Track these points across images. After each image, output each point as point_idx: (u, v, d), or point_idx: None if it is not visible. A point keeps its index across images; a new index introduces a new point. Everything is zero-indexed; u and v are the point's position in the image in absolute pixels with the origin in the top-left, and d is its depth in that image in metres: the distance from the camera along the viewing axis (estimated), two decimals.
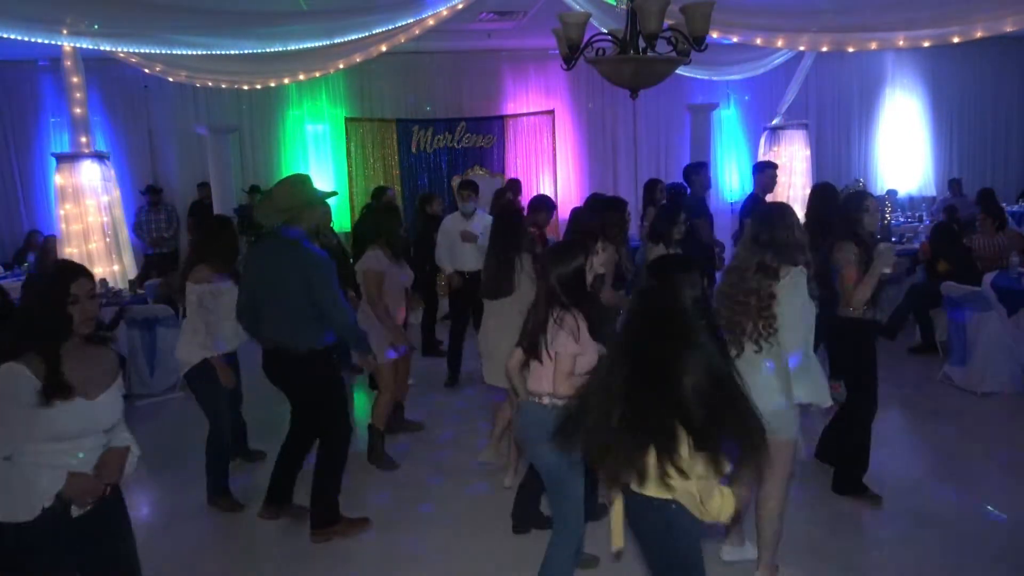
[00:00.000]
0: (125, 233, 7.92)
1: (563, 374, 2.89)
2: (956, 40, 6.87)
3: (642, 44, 4.19)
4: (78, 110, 7.41)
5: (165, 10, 6.37)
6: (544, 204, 6.06)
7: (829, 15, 6.75)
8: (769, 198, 6.09)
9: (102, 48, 6.93)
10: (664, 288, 2.49)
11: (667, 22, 4.18)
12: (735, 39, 7.38)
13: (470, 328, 6.21)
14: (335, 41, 6.96)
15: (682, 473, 2.15)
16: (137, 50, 7.05)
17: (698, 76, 9.62)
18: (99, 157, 7.59)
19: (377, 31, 6.88)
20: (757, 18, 6.95)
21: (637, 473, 2.21)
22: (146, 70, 7.82)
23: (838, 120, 11.59)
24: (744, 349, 3.09)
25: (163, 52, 7.07)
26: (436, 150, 10.22)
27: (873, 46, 7.58)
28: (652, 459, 2.17)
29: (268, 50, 7.00)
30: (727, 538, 3.61)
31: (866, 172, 11.55)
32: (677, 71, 5.19)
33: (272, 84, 8.44)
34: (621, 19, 4.74)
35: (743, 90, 10.97)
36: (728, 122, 11.15)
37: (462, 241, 6.29)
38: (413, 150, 10.16)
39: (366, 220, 5.81)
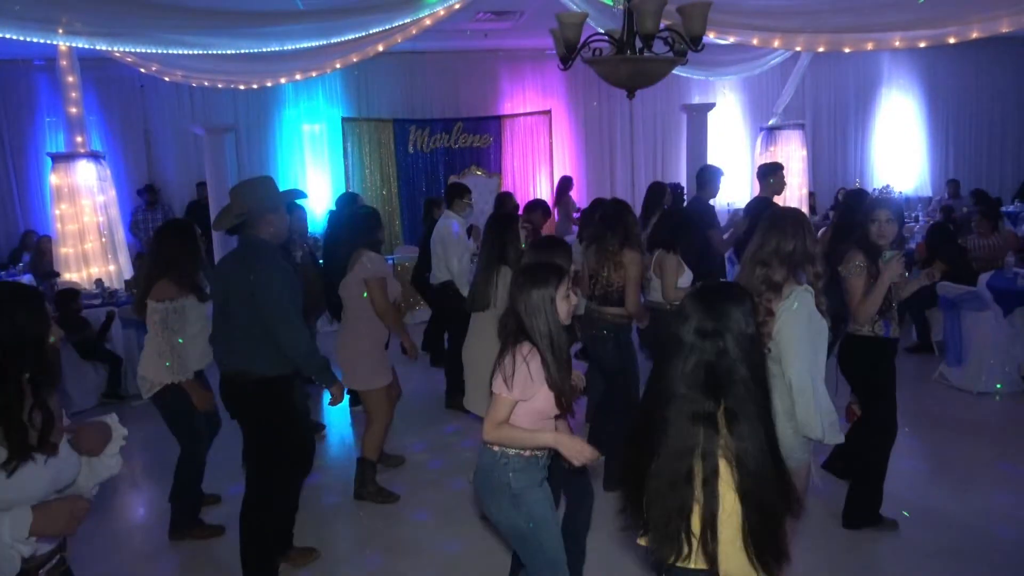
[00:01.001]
0: (121, 233, 7.90)
1: (492, 421, 2.45)
2: (952, 40, 6.87)
3: (639, 44, 4.19)
4: (73, 110, 7.39)
5: (161, 9, 6.34)
6: (538, 205, 6.06)
7: (826, 15, 6.75)
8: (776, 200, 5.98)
9: (98, 47, 6.91)
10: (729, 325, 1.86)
11: (664, 22, 4.19)
12: (732, 39, 7.38)
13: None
14: (332, 41, 6.94)
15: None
16: (133, 49, 7.02)
17: (695, 76, 9.64)
18: (95, 157, 7.57)
19: (374, 31, 6.86)
20: (753, 18, 6.95)
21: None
22: (142, 70, 7.78)
23: (834, 120, 11.61)
24: None
25: (159, 51, 7.04)
26: (433, 150, 10.22)
27: (869, 46, 7.58)
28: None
29: (265, 50, 6.98)
30: None
31: (862, 172, 11.58)
32: (674, 71, 5.19)
33: (269, 84, 8.42)
34: (618, 19, 4.75)
35: (735, 90, 10.98)
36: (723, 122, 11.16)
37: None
38: (410, 150, 10.15)
39: (344, 227, 5.03)
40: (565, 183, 9.33)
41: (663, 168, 10.76)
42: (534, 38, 9.06)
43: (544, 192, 10.33)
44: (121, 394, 6.52)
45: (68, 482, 1.95)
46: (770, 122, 10.21)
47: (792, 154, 10.15)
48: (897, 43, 7.32)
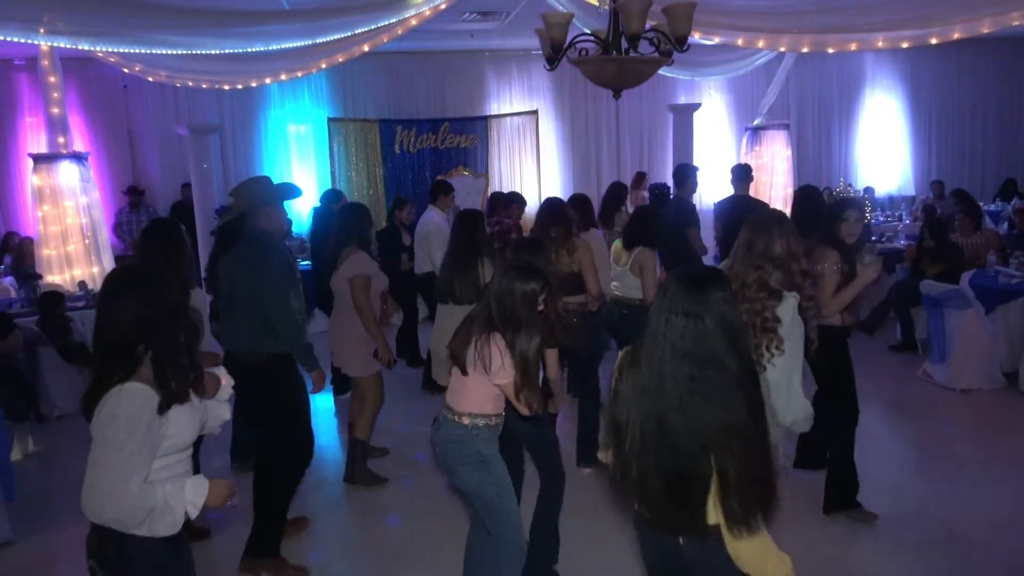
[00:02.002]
0: (104, 235, 7.82)
1: (514, 399, 2.75)
2: (934, 41, 6.94)
3: (625, 45, 4.20)
4: (55, 110, 7.31)
5: (145, 9, 6.29)
6: (514, 198, 6.28)
7: (810, 16, 6.80)
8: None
9: (80, 47, 6.85)
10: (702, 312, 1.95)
11: (649, 23, 4.20)
12: (717, 40, 7.42)
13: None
14: (317, 41, 6.91)
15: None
16: (116, 49, 6.96)
17: (680, 76, 9.67)
18: (77, 158, 7.49)
19: (360, 31, 6.84)
20: (738, 19, 6.99)
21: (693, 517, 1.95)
22: (125, 70, 7.72)
23: (819, 120, 11.69)
24: None
25: (142, 51, 6.98)
26: (420, 150, 10.19)
27: (853, 47, 7.63)
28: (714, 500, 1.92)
29: (249, 50, 6.94)
30: None
31: (847, 172, 11.66)
32: (659, 71, 5.22)
33: (254, 84, 8.37)
34: (604, 20, 4.76)
35: (721, 90, 11.03)
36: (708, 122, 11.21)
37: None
38: (396, 150, 10.12)
39: (330, 223, 5.14)
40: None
41: (649, 168, 10.78)
42: (520, 38, 9.06)
43: (530, 192, 10.32)
44: None
45: (203, 423, 2.28)
46: (755, 122, 10.27)
47: (777, 154, 10.22)
48: (880, 43, 7.37)
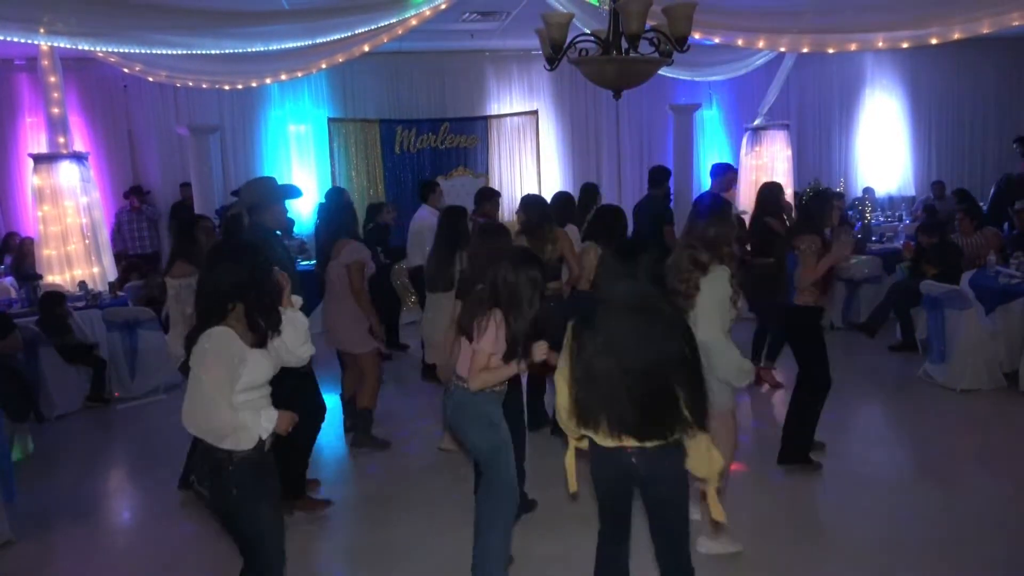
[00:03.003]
0: (104, 235, 7.82)
1: (476, 369, 3.09)
2: (934, 41, 6.94)
3: (625, 45, 4.20)
4: (55, 110, 7.31)
5: (145, 9, 6.29)
6: (489, 194, 6.59)
7: (810, 16, 6.80)
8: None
9: (80, 47, 6.85)
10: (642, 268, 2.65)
11: (649, 23, 4.20)
12: (717, 40, 7.42)
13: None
14: (317, 41, 6.91)
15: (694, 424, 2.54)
16: (116, 50, 6.96)
17: (680, 77, 9.67)
18: (77, 158, 7.49)
19: (360, 31, 6.84)
20: (738, 19, 6.99)
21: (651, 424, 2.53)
22: (125, 70, 7.72)
23: (819, 120, 11.68)
24: None
25: (142, 52, 6.98)
26: (420, 150, 10.19)
27: (853, 47, 7.63)
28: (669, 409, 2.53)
29: (249, 50, 6.95)
30: (709, 531, 3.66)
31: (847, 172, 11.66)
32: (659, 72, 5.22)
33: (254, 84, 8.37)
34: (604, 20, 4.76)
35: (724, 90, 11.03)
36: (710, 123, 11.21)
37: None
38: (396, 151, 10.12)
39: (333, 219, 5.70)
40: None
41: (649, 168, 10.76)
42: (520, 38, 9.06)
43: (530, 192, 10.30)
44: (106, 397, 6.47)
45: (278, 365, 2.78)
46: (755, 122, 10.27)
47: (777, 154, 10.21)
48: (880, 44, 7.37)
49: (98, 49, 6.98)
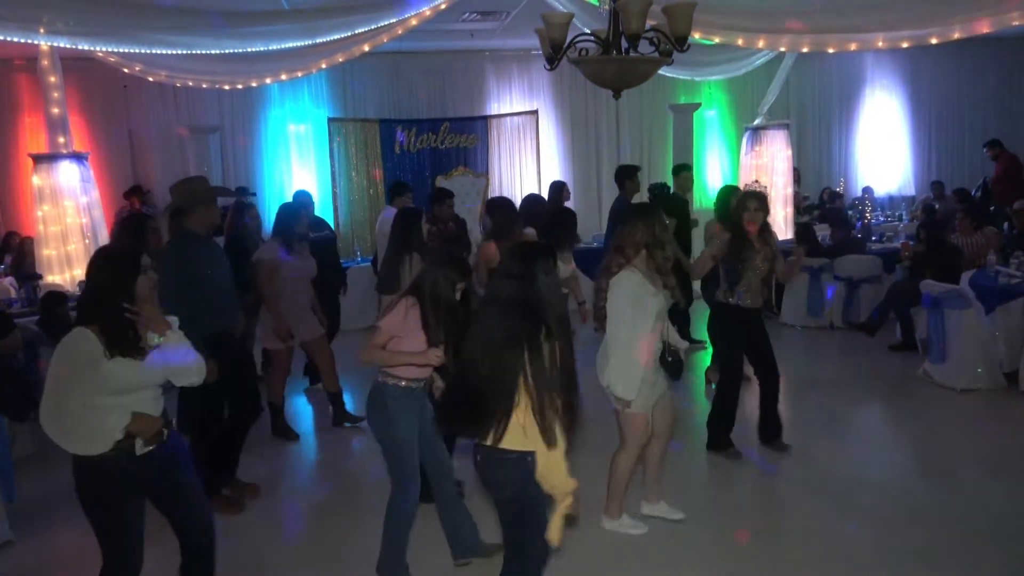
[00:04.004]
0: (104, 235, 7.80)
1: (371, 343, 3.21)
2: (934, 41, 6.94)
3: (625, 44, 4.20)
4: (55, 110, 7.31)
5: (145, 9, 6.29)
6: (440, 195, 6.73)
7: (810, 16, 6.80)
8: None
9: (80, 47, 6.84)
10: (524, 274, 2.60)
11: (649, 23, 4.20)
12: (717, 40, 7.41)
13: None
14: (317, 41, 6.91)
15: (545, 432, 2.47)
16: (116, 49, 6.96)
17: (680, 76, 9.66)
18: (77, 157, 7.49)
19: (360, 31, 6.84)
20: (738, 19, 6.99)
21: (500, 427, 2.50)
22: (125, 69, 7.71)
23: (819, 120, 11.68)
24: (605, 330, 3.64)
25: (142, 51, 6.98)
26: (420, 150, 10.19)
27: (853, 47, 7.63)
28: (519, 416, 2.49)
29: (249, 50, 6.94)
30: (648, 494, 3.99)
31: (847, 172, 11.66)
32: (659, 71, 5.22)
33: (254, 84, 8.36)
34: (604, 19, 4.76)
35: (723, 91, 11.03)
36: (710, 123, 11.20)
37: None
38: (396, 150, 10.11)
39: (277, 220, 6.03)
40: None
41: (649, 168, 10.76)
42: (520, 38, 9.05)
43: (531, 192, 10.31)
44: None
45: (152, 380, 2.74)
46: (755, 122, 10.26)
47: (777, 154, 10.20)
48: (880, 43, 7.37)
49: (98, 49, 6.97)
